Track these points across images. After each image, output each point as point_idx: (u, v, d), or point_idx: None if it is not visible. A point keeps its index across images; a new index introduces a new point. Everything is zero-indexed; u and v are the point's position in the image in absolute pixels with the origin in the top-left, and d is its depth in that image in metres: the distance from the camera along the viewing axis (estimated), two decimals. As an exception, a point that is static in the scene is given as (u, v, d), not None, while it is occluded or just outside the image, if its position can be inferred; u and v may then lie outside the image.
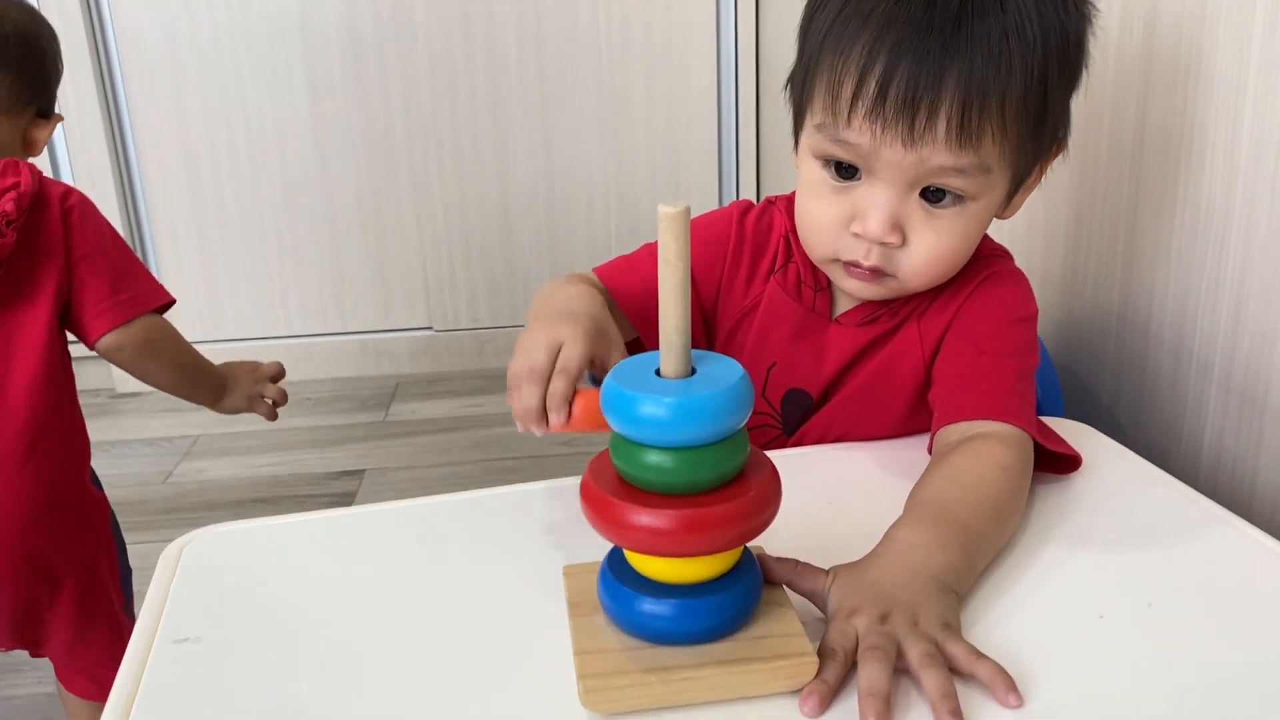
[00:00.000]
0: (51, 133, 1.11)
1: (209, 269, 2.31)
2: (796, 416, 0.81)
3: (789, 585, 0.58)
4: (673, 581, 0.53)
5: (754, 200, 0.85)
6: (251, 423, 2.20)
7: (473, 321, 2.37)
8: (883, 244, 0.70)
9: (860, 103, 0.67)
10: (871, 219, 0.69)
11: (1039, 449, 0.71)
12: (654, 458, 0.50)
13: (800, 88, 0.74)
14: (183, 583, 0.64)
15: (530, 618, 0.59)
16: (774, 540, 0.59)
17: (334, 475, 1.94)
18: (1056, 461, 0.73)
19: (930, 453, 0.73)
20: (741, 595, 0.53)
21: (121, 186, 2.21)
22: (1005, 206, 0.75)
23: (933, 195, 0.70)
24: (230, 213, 2.27)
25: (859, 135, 0.68)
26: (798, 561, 0.59)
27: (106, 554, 1.09)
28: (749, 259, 0.81)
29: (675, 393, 0.49)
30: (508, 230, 2.33)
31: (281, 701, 0.53)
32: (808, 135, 0.73)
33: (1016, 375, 0.74)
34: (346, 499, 1.85)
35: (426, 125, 2.24)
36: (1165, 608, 0.59)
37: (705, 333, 0.82)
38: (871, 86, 0.67)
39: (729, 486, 0.51)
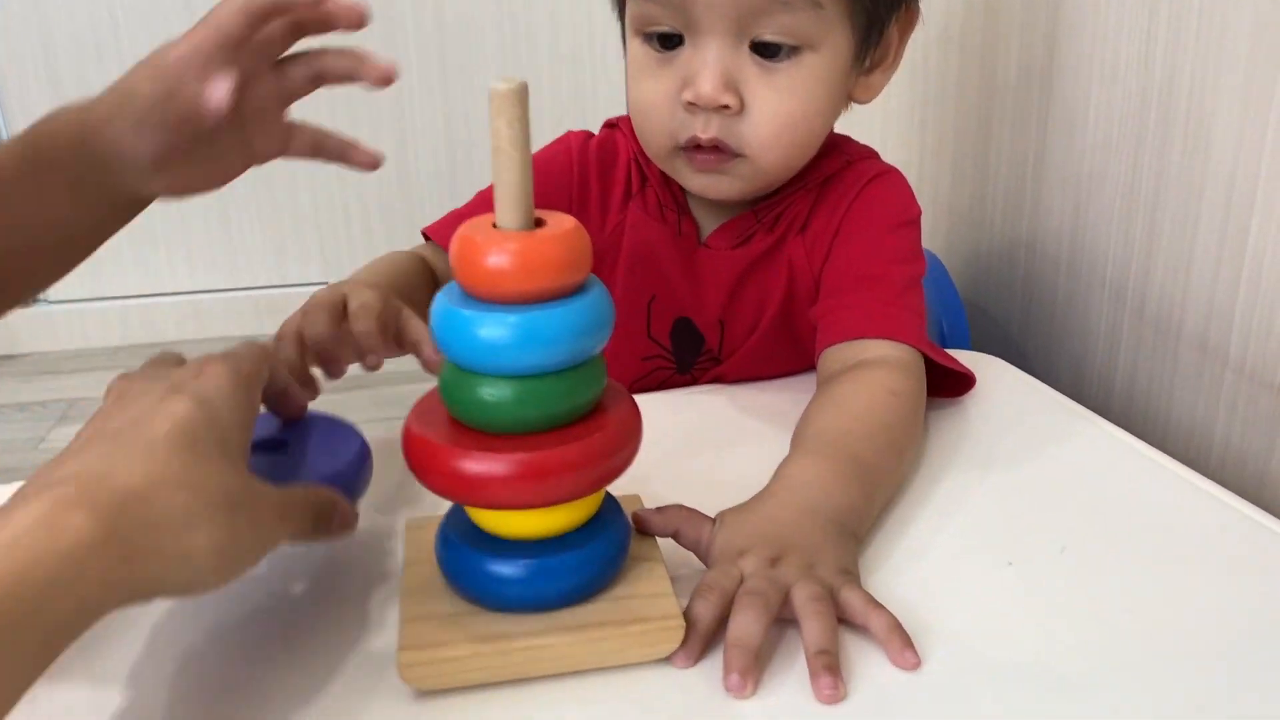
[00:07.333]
0: None
1: (84, 222, 2.16)
2: (690, 350, 0.74)
3: (675, 538, 0.51)
4: (520, 537, 0.45)
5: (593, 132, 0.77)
6: (134, 385, 2.08)
7: (371, 275, 2.26)
8: (720, 108, 0.64)
9: None
10: (702, 79, 0.63)
11: (933, 370, 0.65)
12: (491, 389, 0.42)
13: None
14: None
15: (364, 576, 0.51)
16: (651, 489, 0.54)
17: (221, 438, 1.83)
18: (951, 384, 0.67)
19: (817, 376, 0.66)
20: (602, 551, 0.46)
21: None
22: (856, 77, 0.68)
23: (766, 50, 0.63)
24: (105, 161, 2.12)
25: None
26: (683, 507, 0.52)
27: None
28: (598, 189, 0.74)
29: (519, 310, 0.42)
30: (404, 179, 2.22)
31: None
32: (630, 11, 0.67)
33: (904, 283, 0.68)
34: (234, 462, 1.75)
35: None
36: (1080, 552, 0.53)
37: None
38: None
39: (580, 424, 0.44)
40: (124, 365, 2.14)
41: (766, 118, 0.64)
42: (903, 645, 0.45)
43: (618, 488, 0.48)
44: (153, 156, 0.55)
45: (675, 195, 0.72)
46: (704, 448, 0.65)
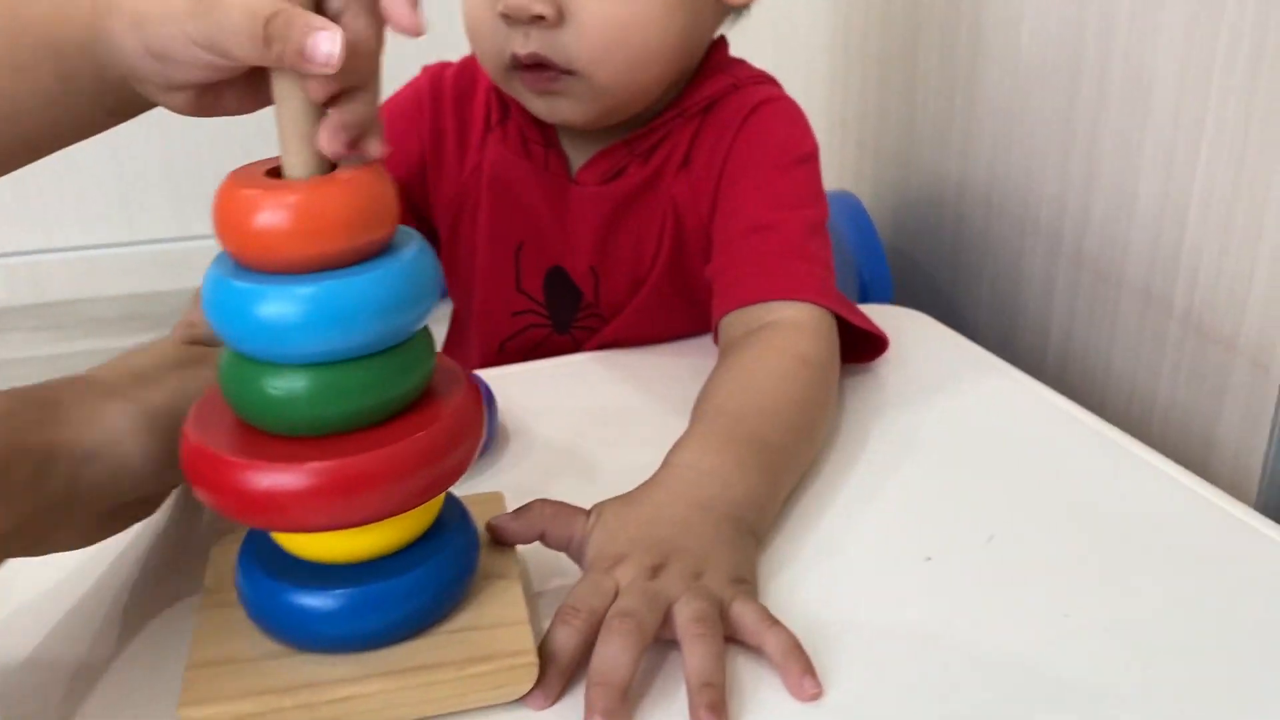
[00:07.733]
0: None
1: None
2: (567, 305, 0.66)
3: (541, 541, 0.43)
4: (333, 561, 0.37)
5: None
6: (23, 347, 1.95)
7: (278, 225, 2.14)
8: (534, 19, 0.56)
9: None
10: None
11: (846, 330, 0.58)
12: (277, 382, 0.34)
13: None
14: None
15: (166, 609, 0.43)
16: (519, 481, 0.45)
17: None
18: (867, 344, 0.60)
19: (716, 344, 0.59)
20: (438, 575, 0.38)
21: None
22: None
23: None
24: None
25: None
26: (548, 503, 0.44)
27: None
28: (454, 122, 0.65)
29: (309, 280, 0.33)
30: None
31: None
32: None
33: (804, 231, 0.60)
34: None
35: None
36: (1009, 542, 0.46)
37: (424, 233, 0.66)
38: None
39: (399, 420, 0.36)
40: (12, 328, 2.02)
41: (591, 27, 0.56)
42: (801, 671, 0.38)
43: (473, 485, 0.40)
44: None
45: (542, 126, 0.63)
46: (585, 427, 0.56)
